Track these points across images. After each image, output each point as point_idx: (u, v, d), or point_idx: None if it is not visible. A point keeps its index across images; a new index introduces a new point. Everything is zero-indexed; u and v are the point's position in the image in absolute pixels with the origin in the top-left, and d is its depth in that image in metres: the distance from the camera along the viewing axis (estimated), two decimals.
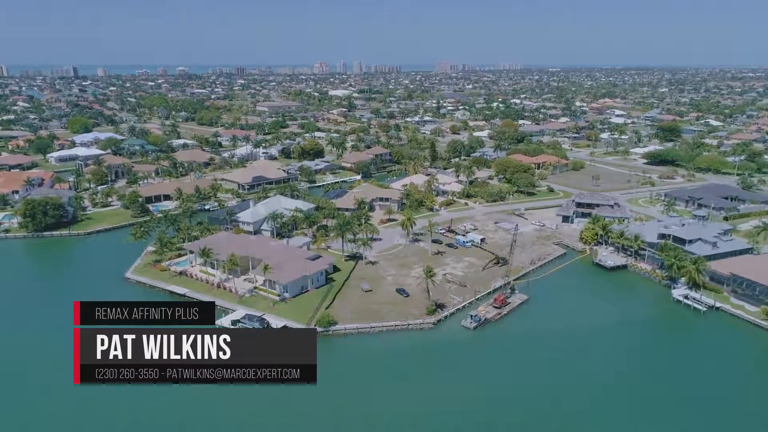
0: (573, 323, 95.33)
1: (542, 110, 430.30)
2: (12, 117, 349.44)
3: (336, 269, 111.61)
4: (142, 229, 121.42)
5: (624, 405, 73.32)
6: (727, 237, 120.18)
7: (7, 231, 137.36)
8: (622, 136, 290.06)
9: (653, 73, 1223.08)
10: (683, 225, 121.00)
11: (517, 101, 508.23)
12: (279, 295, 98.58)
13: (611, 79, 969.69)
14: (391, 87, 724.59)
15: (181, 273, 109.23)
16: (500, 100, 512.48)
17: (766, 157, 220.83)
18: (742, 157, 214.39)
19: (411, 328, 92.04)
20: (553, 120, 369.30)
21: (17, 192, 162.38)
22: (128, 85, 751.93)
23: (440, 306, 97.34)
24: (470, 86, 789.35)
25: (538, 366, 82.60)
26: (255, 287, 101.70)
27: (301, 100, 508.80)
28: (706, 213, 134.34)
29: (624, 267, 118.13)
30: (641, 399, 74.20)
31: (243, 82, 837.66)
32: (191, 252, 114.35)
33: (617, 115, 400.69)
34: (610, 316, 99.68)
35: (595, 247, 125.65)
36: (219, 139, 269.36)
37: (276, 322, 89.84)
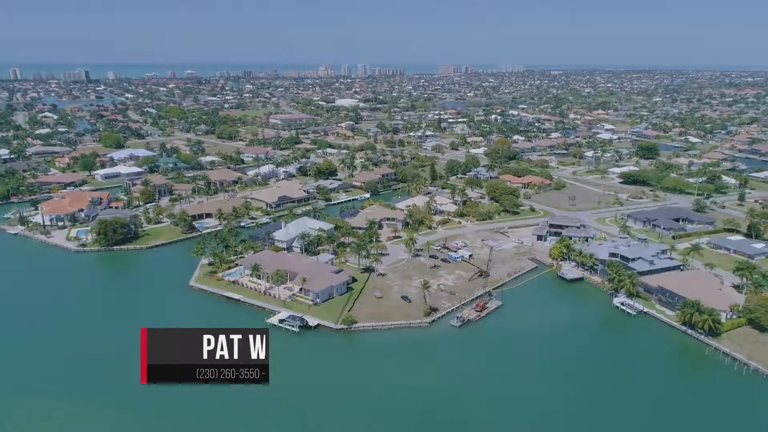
0: (536, 323, 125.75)
1: (536, 123, 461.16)
2: (47, 131, 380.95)
3: (354, 280, 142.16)
4: (200, 245, 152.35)
5: (569, 384, 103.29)
6: (664, 255, 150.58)
7: (84, 245, 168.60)
8: (606, 154, 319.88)
9: (653, 76, 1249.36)
10: (629, 245, 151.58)
11: (515, 113, 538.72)
12: (312, 301, 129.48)
13: (610, 85, 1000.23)
14: (395, 95, 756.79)
15: (233, 282, 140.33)
16: (499, 111, 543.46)
17: (724, 178, 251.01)
18: (704, 179, 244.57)
19: (412, 327, 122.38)
20: (544, 135, 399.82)
21: (82, 210, 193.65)
22: (142, 91, 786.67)
23: (434, 309, 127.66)
24: (471, 93, 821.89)
25: (508, 356, 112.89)
26: (293, 294, 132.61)
27: (310, 111, 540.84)
28: (646, 236, 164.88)
29: (581, 279, 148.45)
30: (582, 381, 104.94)
31: (251, 87, 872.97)
32: (239, 265, 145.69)
33: (606, 130, 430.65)
34: (565, 318, 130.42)
35: (560, 263, 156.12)
36: (241, 156, 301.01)
37: (312, 321, 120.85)
